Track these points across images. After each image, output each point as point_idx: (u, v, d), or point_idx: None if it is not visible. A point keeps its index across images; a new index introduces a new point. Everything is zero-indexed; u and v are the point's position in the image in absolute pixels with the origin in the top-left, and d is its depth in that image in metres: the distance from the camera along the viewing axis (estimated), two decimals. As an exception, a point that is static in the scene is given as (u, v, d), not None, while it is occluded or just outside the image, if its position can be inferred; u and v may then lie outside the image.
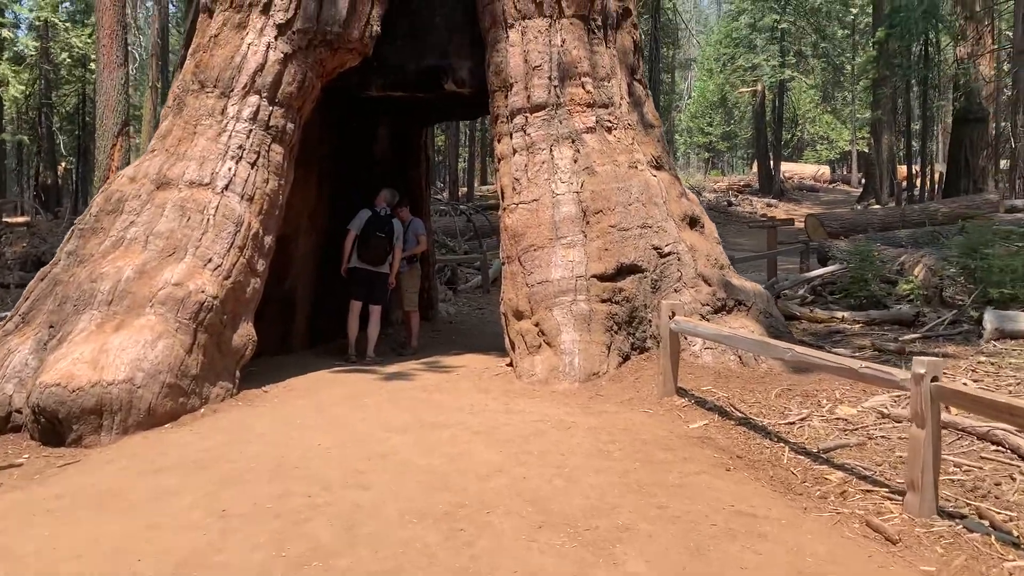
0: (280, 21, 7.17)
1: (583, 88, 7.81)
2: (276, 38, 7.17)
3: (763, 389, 6.60)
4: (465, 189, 34.52)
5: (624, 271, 7.43)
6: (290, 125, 7.32)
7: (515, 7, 7.82)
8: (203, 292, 6.30)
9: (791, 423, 5.84)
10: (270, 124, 7.16)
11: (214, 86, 7.15)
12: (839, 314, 10.58)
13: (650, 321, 7.48)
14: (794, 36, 42.51)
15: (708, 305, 7.46)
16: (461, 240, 19.81)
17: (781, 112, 43.00)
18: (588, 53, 7.87)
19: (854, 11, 44.01)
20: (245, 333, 6.76)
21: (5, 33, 25.92)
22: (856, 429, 5.71)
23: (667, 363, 6.39)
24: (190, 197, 6.73)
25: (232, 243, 6.68)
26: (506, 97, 7.91)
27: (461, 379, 7.50)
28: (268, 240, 7.13)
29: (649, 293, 7.51)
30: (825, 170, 52.47)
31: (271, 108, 7.17)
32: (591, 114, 7.79)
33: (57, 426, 5.60)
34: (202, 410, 6.20)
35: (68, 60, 27.96)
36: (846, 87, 48.63)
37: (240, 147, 6.99)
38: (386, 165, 10.46)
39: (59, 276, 6.72)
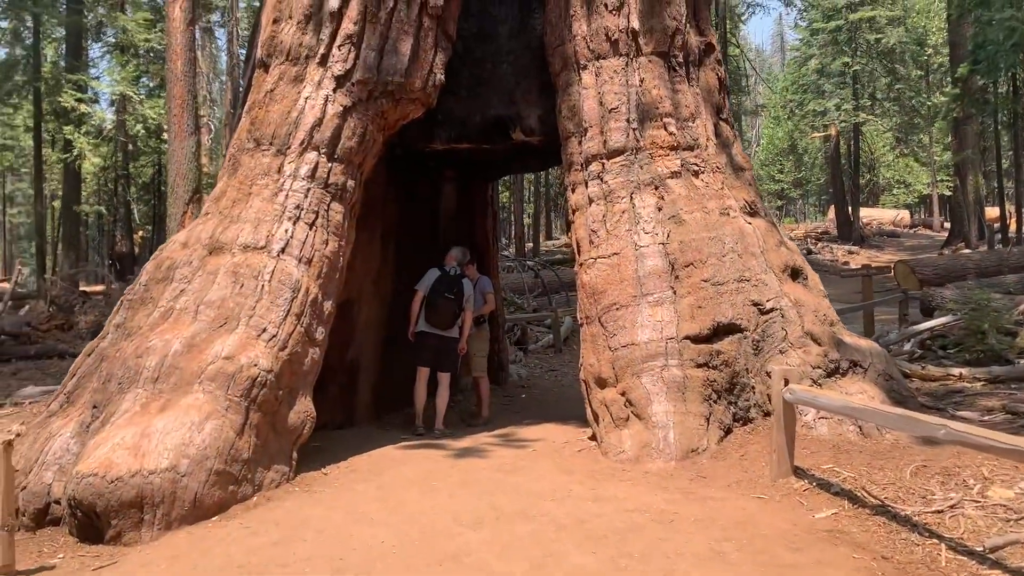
0: (338, 72, 6.71)
1: (665, 130, 7.12)
2: (335, 90, 6.70)
3: (893, 466, 5.62)
4: (531, 244, 34.05)
5: (721, 331, 6.60)
6: (350, 182, 6.80)
7: (588, 47, 7.23)
8: (256, 366, 5.73)
9: (939, 511, 4.86)
10: (329, 182, 6.65)
11: (270, 143, 6.70)
12: (955, 371, 9.47)
13: (753, 388, 6.60)
14: (866, 78, 41.33)
15: (820, 368, 6.55)
16: (529, 296, 19.16)
17: (857, 156, 41.60)
18: (669, 92, 7.20)
19: (928, 51, 42.65)
20: (303, 409, 6.15)
21: (84, 108, 26.78)
22: (1022, 519, 4.72)
23: (781, 438, 5.50)
24: (244, 262, 6.23)
25: (288, 310, 6.12)
26: (580, 143, 7.27)
27: (540, 456, 6.72)
28: (328, 306, 6.56)
29: (750, 355, 6.65)
30: (904, 214, 50.55)
31: (330, 165, 6.68)
32: (675, 157, 7.08)
33: (95, 520, 5.03)
34: (254, 498, 5.56)
35: (143, 131, 28.70)
36: (921, 128, 46.97)
37: (297, 207, 6.48)
38: (452, 222, 9.91)
39: (106, 351, 6.25)
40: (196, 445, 5.24)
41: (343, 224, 6.73)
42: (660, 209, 6.92)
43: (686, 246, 6.77)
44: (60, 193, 32.64)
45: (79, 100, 27.52)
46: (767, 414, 6.56)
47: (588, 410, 6.99)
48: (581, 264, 7.12)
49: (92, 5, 31.64)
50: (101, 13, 33.29)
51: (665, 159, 7.06)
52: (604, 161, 7.10)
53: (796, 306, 6.88)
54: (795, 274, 7.34)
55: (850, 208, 39.63)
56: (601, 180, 7.09)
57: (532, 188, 42.11)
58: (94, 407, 5.84)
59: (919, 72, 43.91)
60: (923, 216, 52.71)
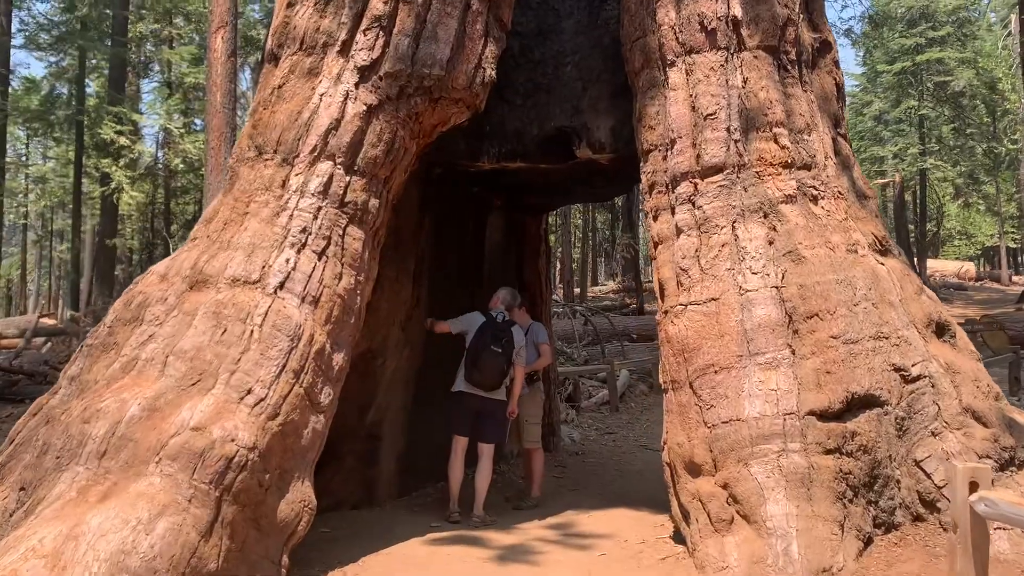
0: (363, 63, 5.31)
1: (776, 142, 5.57)
2: (357, 85, 5.30)
3: None
4: (577, 290, 32.46)
5: (855, 405, 4.95)
6: (374, 202, 5.36)
7: (676, 39, 5.74)
8: (233, 441, 4.23)
9: None
10: (346, 200, 5.22)
11: (274, 151, 5.31)
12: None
13: (899, 482, 4.92)
14: (930, 124, 39.35)
15: (989, 457, 4.85)
16: (579, 346, 17.52)
17: (924, 204, 39.48)
18: (780, 96, 5.66)
19: (996, 96, 40.53)
20: (298, 498, 4.62)
21: (123, 140, 26.13)
22: None
23: (969, 568, 3.81)
24: (230, 300, 4.78)
25: (284, 365, 4.65)
26: (665, 158, 5.75)
27: (612, 565, 5.08)
28: (339, 359, 5.06)
29: (893, 438, 4.98)
30: (969, 266, 48.00)
31: (348, 179, 5.25)
32: (789, 178, 5.51)
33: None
34: (223, 626, 4.03)
35: (182, 165, 28.00)
36: (983, 177, 44.64)
37: (304, 231, 5.05)
38: (499, 258, 8.42)
39: (53, 411, 4.83)
40: (141, 554, 3.74)
41: (362, 254, 5.26)
42: (771, 243, 5.34)
43: (808, 291, 5.15)
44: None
45: (119, 132, 26.89)
46: (917, 518, 4.89)
47: (674, 503, 5.35)
48: (666, 312, 5.53)
49: (139, 41, 31.42)
50: (149, 50, 33.12)
51: (776, 179, 5.49)
52: (697, 181, 5.55)
53: (949, 372, 5.21)
54: (940, 330, 5.67)
55: (915, 259, 37.41)
56: (693, 205, 5.54)
57: (581, 227, 40.65)
58: (21, 488, 4.39)
59: (988, 118, 41.76)
60: (987, 268, 50.18)
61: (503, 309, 6.55)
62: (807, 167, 5.65)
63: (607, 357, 14.99)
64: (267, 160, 5.33)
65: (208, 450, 4.14)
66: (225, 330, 4.65)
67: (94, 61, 30.11)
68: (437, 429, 6.83)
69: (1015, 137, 39.18)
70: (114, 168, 26.41)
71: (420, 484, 7.22)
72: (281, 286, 4.87)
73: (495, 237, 8.41)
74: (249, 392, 4.48)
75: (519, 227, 8.77)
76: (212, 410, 4.33)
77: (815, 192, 5.59)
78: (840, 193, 5.74)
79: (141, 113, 31.27)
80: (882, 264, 5.57)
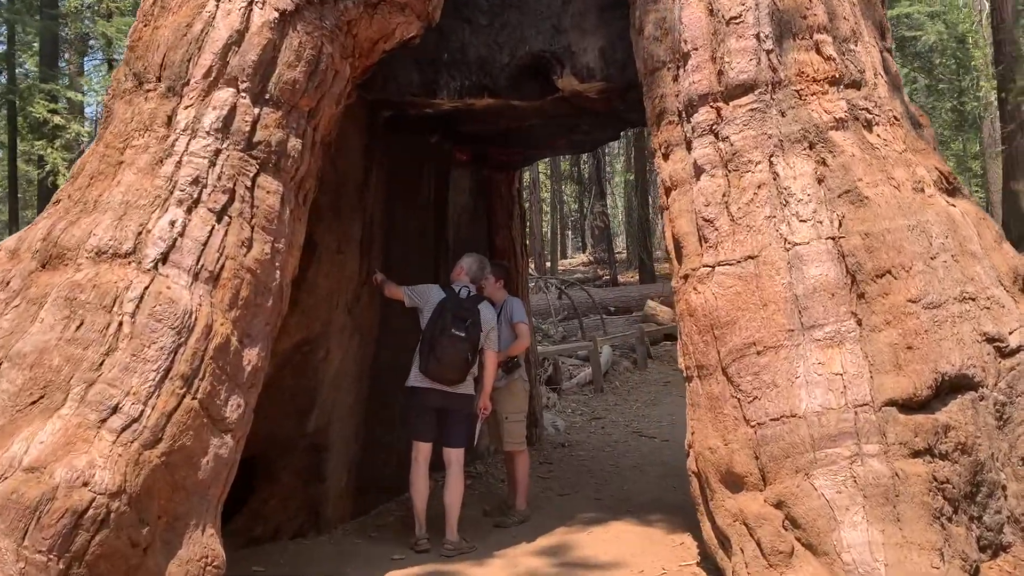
0: (272, -45, 3.92)
1: (818, 52, 4.29)
2: (265, -13, 3.91)
3: None
4: (548, 263, 31.20)
5: (945, 389, 3.73)
6: (294, 142, 3.99)
7: (686, -78, 4.42)
8: (87, 485, 2.89)
9: None
10: (256, 140, 3.85)
11: (157, 78, 3.91)
12: None
13: (1004, 488, 3.73)
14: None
15: (1119, 452, 3.68)
16: (556, 321, 16.27)
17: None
18: (821, -7, 4.38)
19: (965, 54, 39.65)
20: (198, 554, 3.29)
21: (57, 120, 24.16)
22: None
23: None
24: (90, 281, 3.40)
25: (167, 369, 3.30)
26: (676, 79, 4.45)
27: (631, 618, 3.85)
28: (252, 355, 3.72)
29: (992, 430, 3.78)
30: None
31: (257, 111, 3.87)
32: (837, 97, 4.23)
33: None
34: None
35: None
36: (949, 137, 43.97)
37: (196, 182, 3.68)
38: (466, 222, 7.09)
39: None
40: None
41: (280, 213, 3.90)
42: (822, 181, 4.07)
43: (875, 242, 3.90)
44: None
45: (52, 111, 24.90)
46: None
47: (706, 525, 4.11)
48: (686, 277, 4.25)
49: (75, 14, 29.27)
50: (87, 24, 30.93)
51: (822, 99, 4.22)
52: (720, 105, 4.26)
53: (1050, 341, 4.02)
54: (1027, 287, 4.48)
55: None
56: (717, 136, 4.25)
57: (546, 204, 39.30)
58: None
59: (955, 74, 41.00)
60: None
61: (468, 282, 5.24)
62: (856, 85, 4.38)
63: (588, 333, 13.76)
64: (148, 91, 3.93)
65: (46, 502, 2.80)
66: (82, 323, 3.29)
67: (27, 37, 27.99)
68: (400, 432, 5.54)
69: (979, 94, 38.52)
70: (49, 150, 24.49)
71: (380, 499, 5.93)
72: (164, 259, 3.50)
73: (461, 198, 7.07)
74: (115, 411, 3.12)
75: (489, 186, 7.44)
76: (58, 440, 2.98)
77: (868, 116, 4.33)
78: (896, 118, 4.48)
79: (82, 93, 29.27)
80: (953, 206, 4.34)
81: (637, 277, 26.90)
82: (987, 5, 27.65)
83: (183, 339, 3.36)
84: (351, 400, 5.45)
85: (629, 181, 35.77)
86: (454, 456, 5.06)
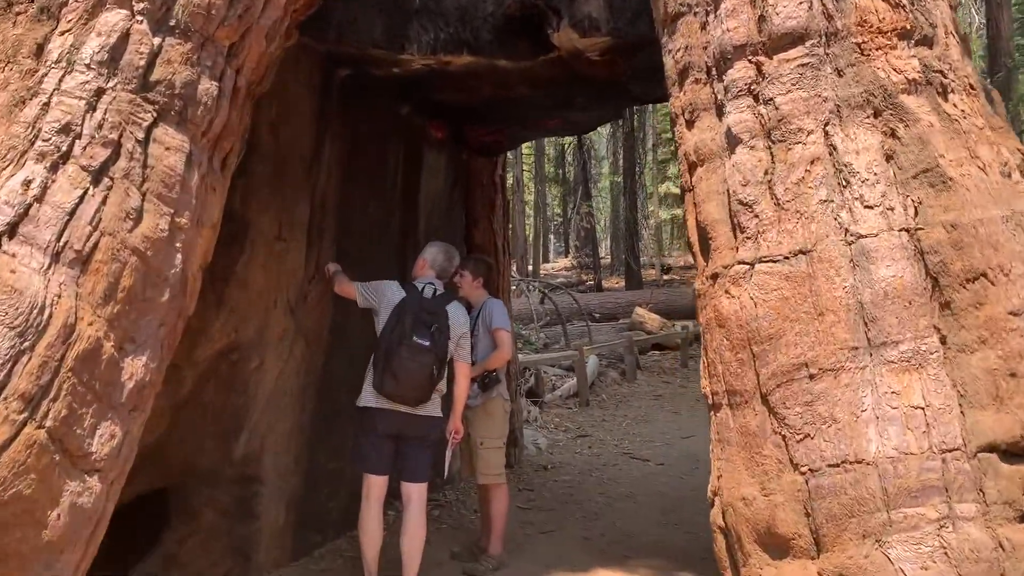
0: None
1: (886, -2, 3.40)
2: None
3: None
4: (530, 267, 30.28)
5: (1057, 430, 2.83)
6: (208, 86, 3.03)
7: None
8: None
9: None
10: (154, 78, 2.89)
11: (27, -3, 2.94)
12: None
13: None
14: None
15: None
16: (538, 327, 15.34)
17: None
18: (887, -74, 3.48)
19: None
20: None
21: None
22: None
23: None
24: None
25: (2, 385, 2.32)
26: (704, 27, 3.53)
27: None
28: (138, 366, 2.75)
29: (1116, 485, 2.89)
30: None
31: (157, 41, 2.91)
32: (908, 54, 3.33)
33: None
34: None
35: None
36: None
37: (66, 130, 2.71)
38: (441, 213, 6.15)
39: None
40: None
41: (185, 178, 2.93)
42: (891, 157, 3.16)
43: (965, 236, 2.99)
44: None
45: None
46: None
47: (734, 595, 3.19)
48: (714, 277, 3.33)
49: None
50: None
51: (890, 55, 3.31)
52: (762, 59, 3.34)
53: None
54: None
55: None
56: (756, 99, 3.34)
57: (528, 207, 38.37)
58: None
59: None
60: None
61: (433, 277, 4.28)
62: (927, 42, 3.47)
63: (572, 341, 12.85)
64: (18, 13, 2.96)
65: None
66: None
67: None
68: (344, 455, 4.57)
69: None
70: None
71: (327, 537, 4.96)
72: (11, 232, 2.53)
73: (434, 184, 6.12)
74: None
75: (468, 171, 6.51)
76: None
77: (943, 80, 3.42)
78: (971, 87, 3.59)
79: None
80: (1043, 195, 3.45)
81: (622, 283, 26.10)
82: (976, 18, 27.20)
83: (28, 343, 2.39)
84: (291, 421, 4.47)
85: (615, 184, 35.03)
86: (415, 493, 4.09)
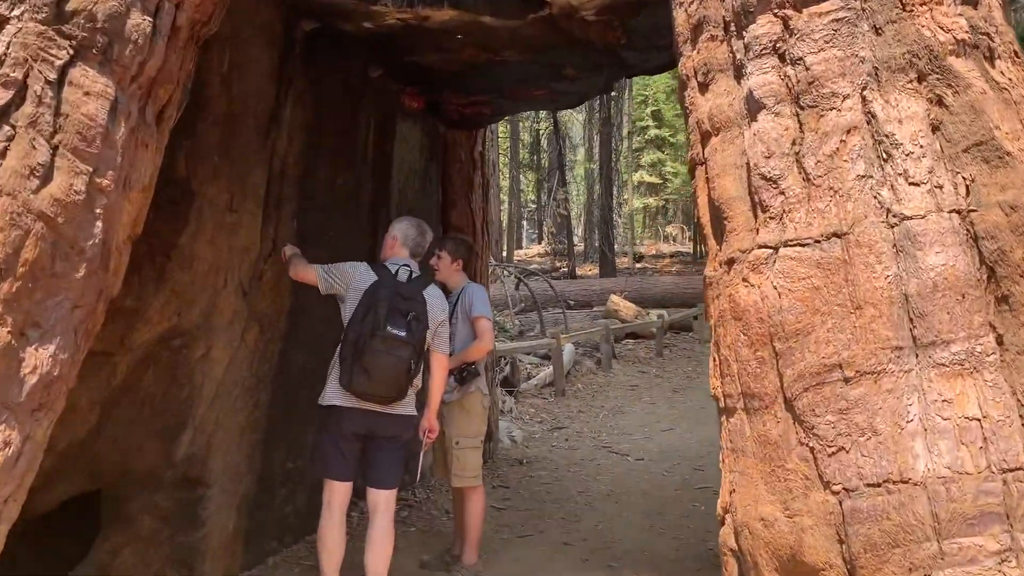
0: None
1: (930, -52, 2.97)
2: None
3: None
4: (504, 253, 29.80)
5: None
6: (138, 20, 2.51)
7: None
8: None
9: None
10: (69, 8, 2.37)
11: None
12: None
13: None
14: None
15: None
16: (512, 313, 14.90)
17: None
18: None
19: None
20: None
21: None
22: None
23: None
24: None
25: None
26: (723, -24, 3.09)
27: None
28: (44, 356, 2.23)
29: None
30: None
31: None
32: (955, 11, 2.91)
33: None
34: None
35: None
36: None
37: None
38: (415, 190, 5.67)
39: None
40: None
41: (110, 130, 2.42)
42: (938, 127, 2.75)
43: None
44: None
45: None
46: None
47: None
48: (729, 263, 2.89)
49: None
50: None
51: (937, 11, 2.88)
52: (789, 13, 2.90)
53: None
54: None
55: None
56: (783, 58, 2.90)
57: (509, 185, 37.82)
58: None
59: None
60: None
61: (407, 258, 3.81)
62: (971, 0, 3.07)
63: (548, 328, 12.43)
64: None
65: None
66: None
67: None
68: (313, 463, 4.09)
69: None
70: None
71: (284, 542, 4.49)
72: None
73: (409, 157, 5.63)
74: None
75: (445, 146, 6.02)
76: None
77: (990, 44, 3.01)
78: (1016, 53, 3.18)
79: None
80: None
81: (596, 270, 25.75)
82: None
83: None
84: (243, 416, 3.99)
85: (590, 171, 34.63)
86: (383, 501, 3.63)
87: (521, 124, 37.90)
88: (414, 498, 5.78)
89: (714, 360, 2.98)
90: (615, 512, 5.60)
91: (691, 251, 31.11)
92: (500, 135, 30.30)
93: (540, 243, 38.65)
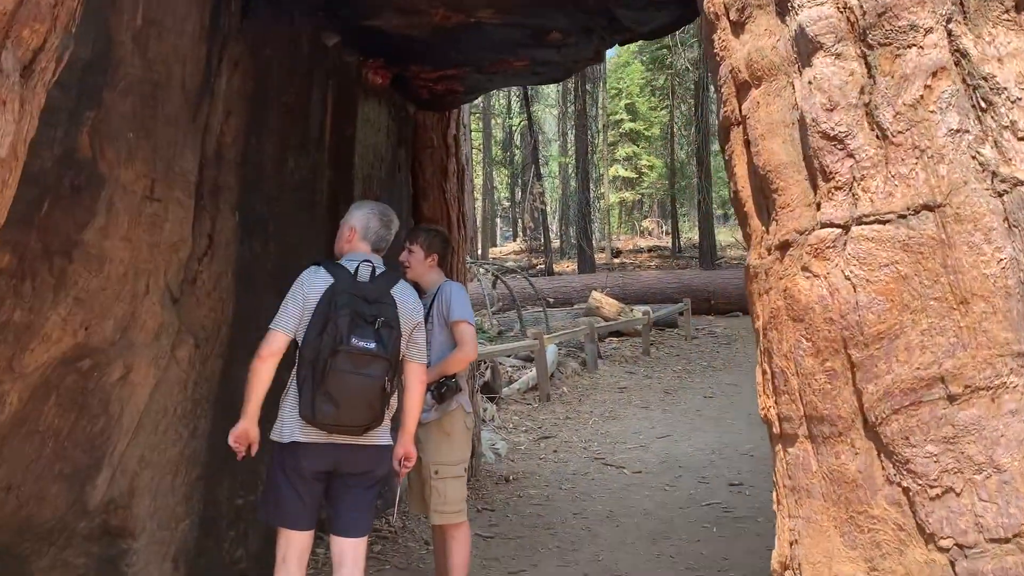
0: None
1: None
2: None
3: None
4: (480, 251, 29.13)
5: None
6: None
7: None
8: None
9: None
10: None
11: None
12: None
13: None
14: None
15: None
16: (491, 312, 14.25)
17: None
18: None
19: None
20: None
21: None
22: None
23: None
24: None
25: None
26: None
27: None
28: None
29: None
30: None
31: None
32: (1054, -74, 2.32)
33: None
34: None
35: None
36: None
37: None
38: (381, 178, 5.00)
39: None
40: None
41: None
42: (1050, 69, 2.14)
43: None
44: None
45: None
46: None
47: None
48: (782, 247, 2.26)
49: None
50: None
51: (1033, -77, 2.29)
52: (848, -73, 2.28)
53: None
54: None
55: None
56: (841, -13, 2.28)
57: (484, 178, 37.10)
58: None
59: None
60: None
61: (368, 252, 3.13)
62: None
63: (530, 329, 11.78)
64: None
65: None
66: None
67: None
68: (265, 504, 3.41)
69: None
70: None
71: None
72: None
73: (373, 140, 4.95)
74: None
75: (415, 128, 5.35)
76: None
77: (1088, -28, 2.42)
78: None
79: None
80: None
81: (574, 266, 25.19)
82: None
83: None
84: (176, 449, 3.29)
85: (564, 166, 34.05)
86: (350, 552, 2.95)
87: (493, 120, 37.32)
88: (388, 527, 5.12)
89: (764, 373, 2.35)
90: (616, 538, 4.97)
91: (669, 245, 30.71)
92: (472, 130, 29.69)
93: (515, 240, 38.06)
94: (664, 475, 6.47)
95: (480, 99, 33.20)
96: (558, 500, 5.89)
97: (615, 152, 36.13)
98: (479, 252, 27.13)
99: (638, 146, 37.27)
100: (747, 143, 2.41)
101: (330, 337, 2.79)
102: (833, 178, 2.16)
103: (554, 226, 35.69)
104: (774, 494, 2.33)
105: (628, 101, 36.74)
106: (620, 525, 5.23)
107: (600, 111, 31.60)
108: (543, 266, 24.45)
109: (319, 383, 2.75)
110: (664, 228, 39.04)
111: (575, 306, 16.82)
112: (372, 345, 2.80)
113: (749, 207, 2.43)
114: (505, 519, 5.43)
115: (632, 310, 15.25)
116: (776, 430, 2.28)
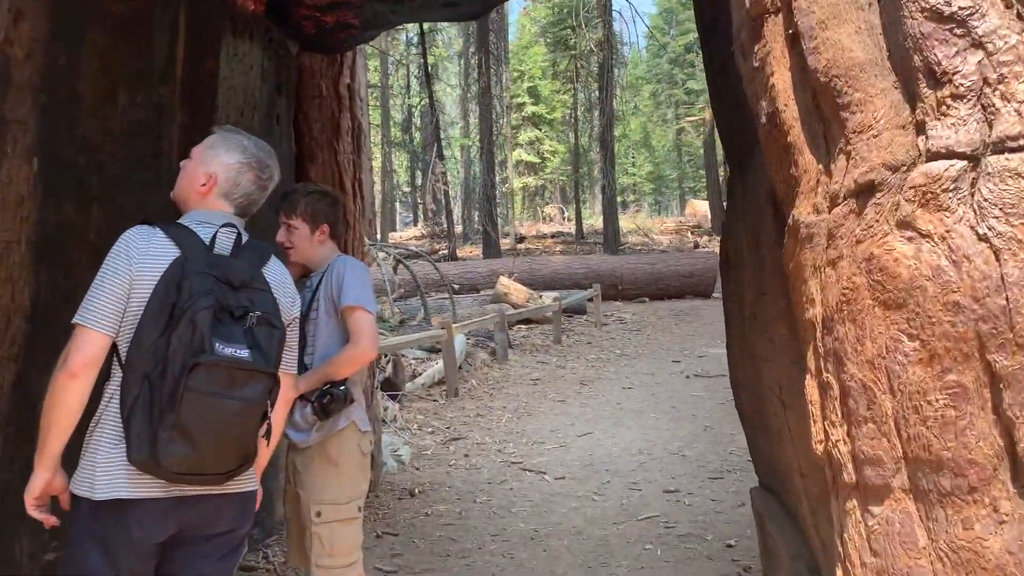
0: None
1: None
2: None
3: None
4: (379, 235, 27.87)
5: None
6: None
7: None
8: None
9: None
10: None
11: None
12: None
13: None
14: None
15: None
16: (392, 300, 13.22)
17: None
18: None
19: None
20: None
21: None
22: None
23: None
24: None
25: None
26: None
27: None
28: None
29: None
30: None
31: None
32: None
33: None
34: None
35: None
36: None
37: None
38: (255, 131, 3.96)
39: None
40: None
41: None
42: None
43: None
44: None
45: None
46: None
47: None
48: (859, 194, 1.46)
49: None
50: None
51: None
52: None
53: None
54: None
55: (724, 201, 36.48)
56: None
57: (385, 155, 35.66)
58: None
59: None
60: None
61: (230, 211, 2.15)
62: None
63: (435, 317, 10.86)
64: None
65: None
66: None
67: None
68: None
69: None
70: None
71: None
72: None
73: (243, 82, 3.93)
74: None
75: (300, 74, 4.34)
76: None
77: None
78: None
79: None
80: None
81: (478, 251, 24.36)
82: None
83: None
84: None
85: (466, 148, 33.11)
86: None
87: (392, 101, 35.93)
88: (267, 562, 4.15)
89: (820, 387, 1.54)
90: (545, 567, 4.15)
91: (572, 231, 30.30)
92: (370, 107, 28.37)
93: (416, 225, 36.91)
94: (590, 481, 5.70)
95: (377, 78, 31.75)
96: (472, 518, 5.03)
97: (518, 136, 35.48)
98: (378, 237, 25.94)
99: (540, 131, 36.76)
100: (793, 38, 1.59)
101: (182, 341, 1.80)
102: (947, 82, 1.36)
103: (457, 211, 34.77)
104: (837, 569, 1.53)
105: (530, 84, 36.12)
106: (548, 549, 4.42)
107: (504, 92, 30.83)
108: (446, 251, 23.52)
109: (164, 411, 1.76)
110: (566, 214, 38.76)
111: (481, 292, 16.01)
112: (245, 353, 1.83)
113: (796, 135, 1.61)
114: (411, 546, 4.53)
115: (541, 296, 14.55)
116: (848, 477, 1.48)
